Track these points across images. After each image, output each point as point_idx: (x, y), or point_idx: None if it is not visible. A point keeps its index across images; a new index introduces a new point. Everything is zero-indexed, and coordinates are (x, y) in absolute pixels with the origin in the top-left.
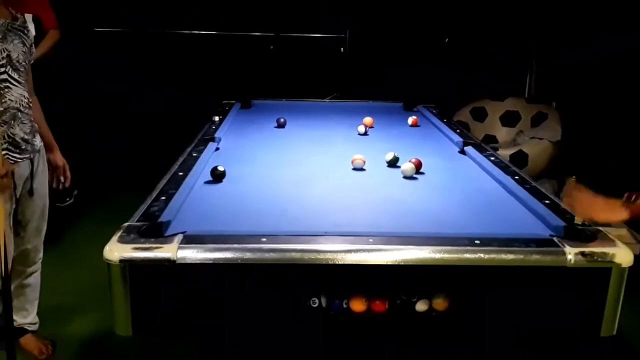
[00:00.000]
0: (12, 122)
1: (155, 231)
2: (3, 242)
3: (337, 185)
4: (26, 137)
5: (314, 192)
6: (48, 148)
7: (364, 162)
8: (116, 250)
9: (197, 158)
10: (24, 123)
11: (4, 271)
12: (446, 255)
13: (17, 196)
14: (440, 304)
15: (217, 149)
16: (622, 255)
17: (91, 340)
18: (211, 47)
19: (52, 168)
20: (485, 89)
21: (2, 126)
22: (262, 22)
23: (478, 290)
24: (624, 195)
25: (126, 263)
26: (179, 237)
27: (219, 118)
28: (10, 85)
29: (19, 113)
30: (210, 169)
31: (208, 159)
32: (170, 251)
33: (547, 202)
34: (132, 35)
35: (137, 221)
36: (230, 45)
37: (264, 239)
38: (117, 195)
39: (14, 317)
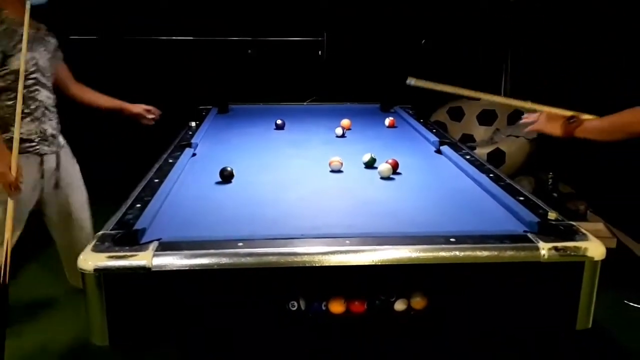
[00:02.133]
0: (43, 118)
1: (130, 239)
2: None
3: (315, 188)
4: (54, 132)
5: (291, 195)
6: (120, 108)
7: (342, 164)
8: (90, 260)
9: (173, 164)
10: (51, 120)
11: (2, 280)
12: (422, 254)
13: (44, 190)
14: (418, 302)
15: (194, 154)
16: (595, 249)
17: (70, 349)
18: (188, 52)
19: (137, 116)
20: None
21: (35, 122)
22: (239, 27)
23: (455, 287)
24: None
25: (101, 272)
26: (155, 244)
27: (196, 123)
28: (39, 88)
29: (47, 111)
30: (219, 170)
31: (184, 165)
32: (146, 259)
33: (521, 198)
34: (107, 43)
35: (111, 229)
36: (208, 50)
37: (241, 244)
38: (101, 203)
39: None
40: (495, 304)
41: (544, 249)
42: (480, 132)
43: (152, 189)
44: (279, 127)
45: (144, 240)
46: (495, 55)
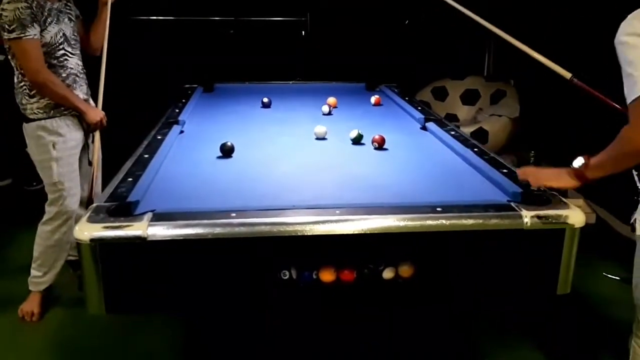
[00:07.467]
0: (74, 85)
1: (124, 210)
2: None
3: (304, 163)
4: (85, 97)
5: (280, 170)
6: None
7: (326, 132)
8: (86, 230)
9: (162, 141)
10: (82, 86)
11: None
12: (410, 223)
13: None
14: (405, 270)
15: (182, 131)
16: (575, 217)
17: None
18: (171, 32)
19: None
20: (446, 68)
21: (68, 88)
22: (221, 7)
23: (441, 255)
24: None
25: (97, 242)
26: (149, 215)
27: (182, 101)
28: (68, 57)
29: (77, 77)
30: (220, 145)
31: (173, 142)
32: (141, 228)
33: (504, 171)
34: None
35: (105, 202)
36: (191, 30)
37: (234, 214)
38: None
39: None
40: (479, 270)
41: (527, 216)
42: (463, 112)
43: (142, 164)
44: (266, 106)
45: (137, 211)
46: (478, 35)
